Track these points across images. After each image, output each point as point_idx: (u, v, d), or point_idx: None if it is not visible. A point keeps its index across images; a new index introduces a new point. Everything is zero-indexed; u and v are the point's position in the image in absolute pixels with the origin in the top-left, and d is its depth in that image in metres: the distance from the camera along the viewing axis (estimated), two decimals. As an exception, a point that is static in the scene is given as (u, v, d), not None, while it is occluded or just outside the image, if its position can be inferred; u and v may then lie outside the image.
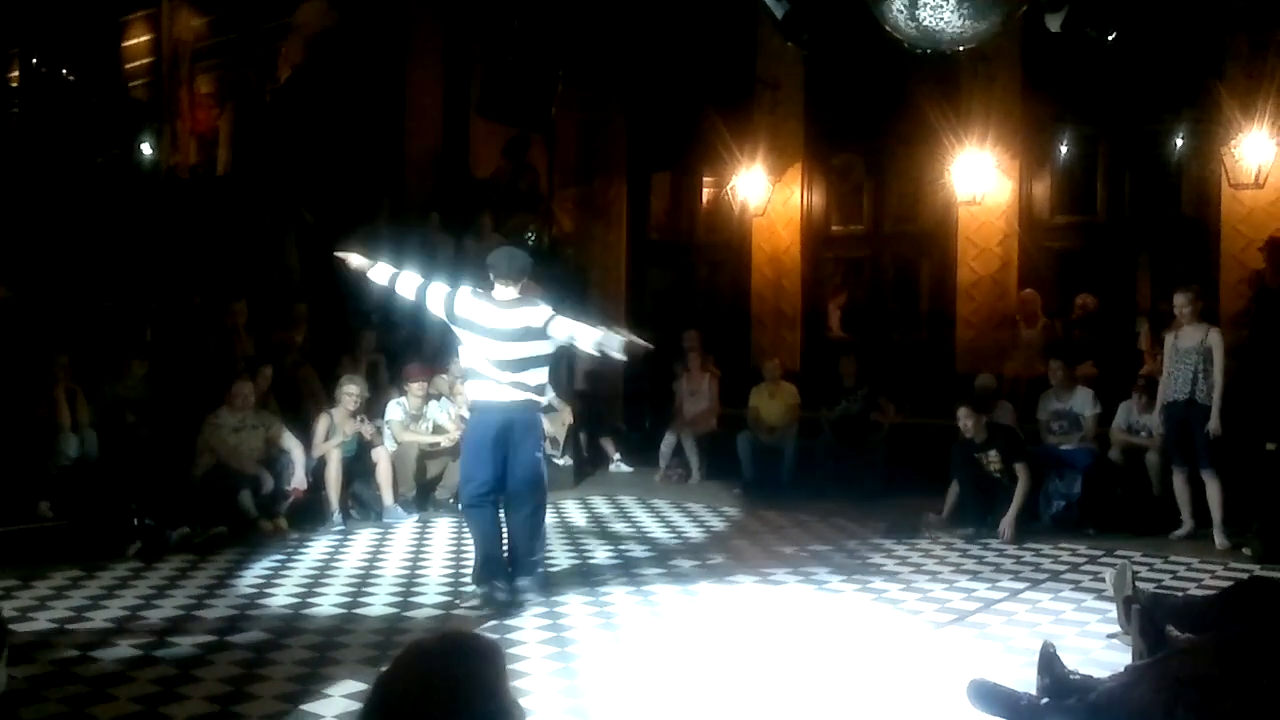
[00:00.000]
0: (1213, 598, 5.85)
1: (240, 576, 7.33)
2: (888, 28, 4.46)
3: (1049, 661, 4.61)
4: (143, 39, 17.95)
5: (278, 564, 7.69)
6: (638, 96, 14.42)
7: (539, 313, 6.60)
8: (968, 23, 4.25)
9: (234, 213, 13.18)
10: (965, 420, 8.74)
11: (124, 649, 5.70)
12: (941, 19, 4.22)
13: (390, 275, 6.89)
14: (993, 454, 8.72)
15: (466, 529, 7.12)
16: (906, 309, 13.35)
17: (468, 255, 13.52)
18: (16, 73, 17.38)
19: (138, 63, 17.96)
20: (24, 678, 5.09)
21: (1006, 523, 8.44)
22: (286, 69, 15.33)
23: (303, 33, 15.22)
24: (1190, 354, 8.32)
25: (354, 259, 6.93)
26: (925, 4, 4.19)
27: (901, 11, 4.28)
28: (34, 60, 16.93)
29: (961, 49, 4.80)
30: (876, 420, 10.97)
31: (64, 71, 16.95)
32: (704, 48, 13.35)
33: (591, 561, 7.92)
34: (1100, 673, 4.67)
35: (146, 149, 16.26)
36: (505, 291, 6.64)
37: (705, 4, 12.35)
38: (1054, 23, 5.51)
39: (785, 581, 7.27)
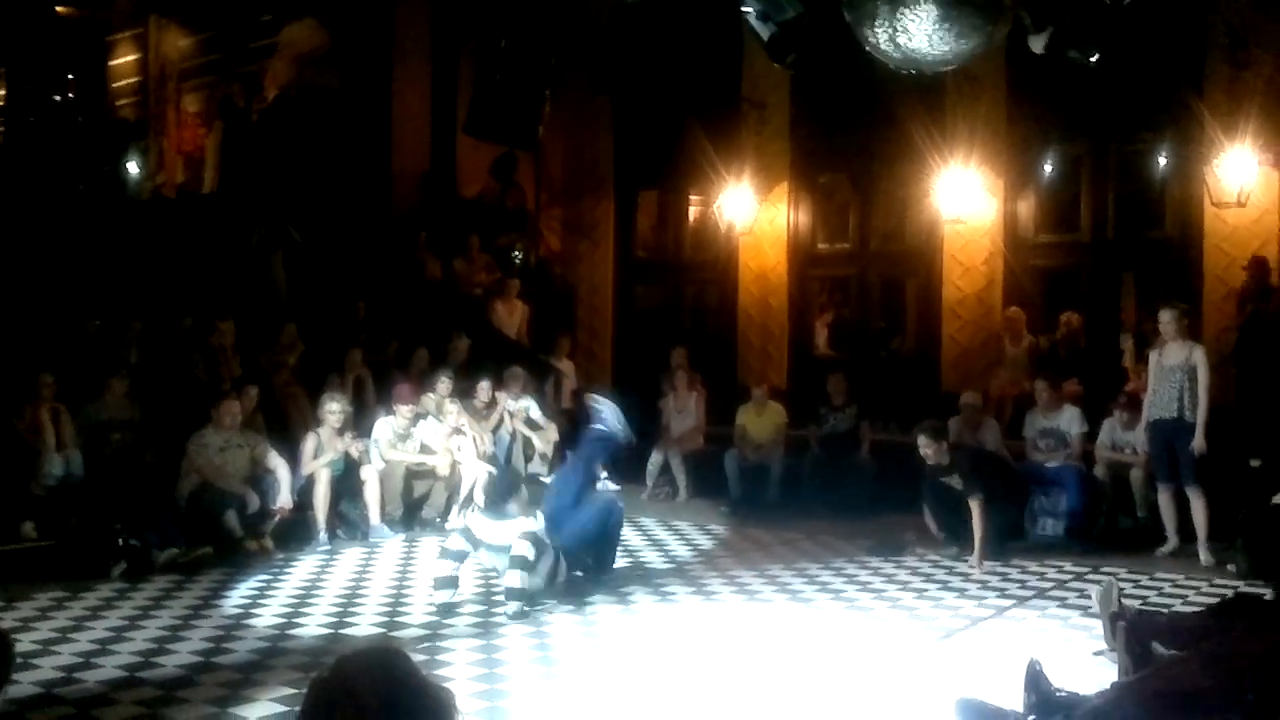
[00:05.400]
0: (1198, 614, 5.87)
1: (225, 597, 7.30)
2: (870, 50, 4.49)
3: (1035, 679, 4.61)
4: (129, 58, 17.95)
5: (263, 584, 7.67)
6: (624, 115, 14.47)
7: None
8: (950, 45, 4.29)
9: (221, 232, 13.18)
10: (925, 448, 8.61)
11: (109, 670, 5.67)
12: (923, 42, 4.25)
13: None
14: (955, 479, 8.62)
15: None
16: (893, 327, 13.40)
17: (455, 275, 13.57)
18: (3, 92, 17.37)
19: (124, 82, 17.96)
20: (7, 700, 5.05)
21: (974, 559, 8.24)
22: (274, 88, 15.35)
23: (290, 52, 15.25)
24: (1175, 371, 8.35)
25: None
26: (907, 27, 4.23)
27: (884, 34, 4.32)
28: (20, 79, 16.91)
29: (945, 70, 4.84)
30: (863, 438, 10.99)
31: (50, 91, 16.95)
32: (690, 67, 13.39)
33: (577, 578, 7.89)
34: (1087, 690, 4.68)
35: (133, 168, 16.25)
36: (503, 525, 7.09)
37: (691, 24, 12.42)
38: (1037, 45, 5.56)
39: (772, 600, 7.28)
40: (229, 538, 8.49)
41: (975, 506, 8.31)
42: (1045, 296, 12.06)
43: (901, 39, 4.41)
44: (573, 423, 12.27)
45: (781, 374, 13.19)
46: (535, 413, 11.28)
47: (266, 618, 6.78)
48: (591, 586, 7.44)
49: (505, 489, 7.31)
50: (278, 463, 9.01)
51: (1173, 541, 8.58)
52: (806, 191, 13.56)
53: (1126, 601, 6.10)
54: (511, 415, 11.07)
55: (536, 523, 7.02)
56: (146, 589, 7.41)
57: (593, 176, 14.81)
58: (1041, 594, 7.41)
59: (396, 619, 6.80)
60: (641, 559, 8.66)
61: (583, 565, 7.56)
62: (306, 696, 2.12)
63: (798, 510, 10.47)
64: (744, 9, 5.50)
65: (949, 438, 8.84)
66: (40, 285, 11.14)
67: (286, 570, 8.14)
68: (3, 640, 2.70)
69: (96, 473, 8.85)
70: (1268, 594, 6.72)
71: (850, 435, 11.05)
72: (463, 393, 10.79)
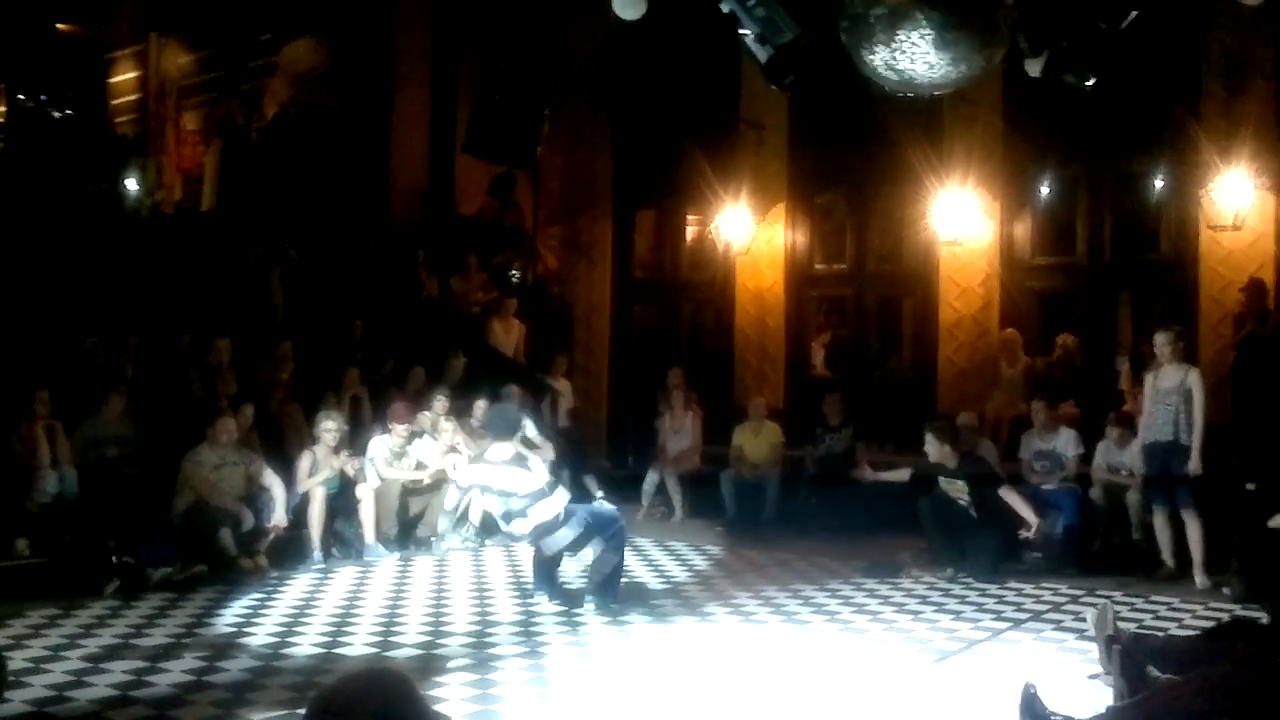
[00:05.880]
0: (1194, 638, 5.87)
1: (219, 615, 7.28)
2: (867, 74, 4.52)
3: (1030, 702, 4.60)
4: (129, 75, 18.01)
5: (257, 603, 7.64)
6: (623, 135, 14.52)
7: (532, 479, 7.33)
8: (946, 69, 4.31)
9: (219, 249, 13.18)
10: (928, 445, 8.67)
11: (101, 689, 5.64)
12: (920, 65, 4.28)
13: None
14: (960, 484, 8.65)
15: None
16: (889, 348, 13.42)
17: (452, 293, 13.58)
18: (2, 108, 17.39)
19: (124, 99, 18.02)
20: (-1, 718, 5.04)
21: (1034, 531, 8.47)
22: (273, 106, 15.40)
23: (289, 70, 15.31)
24: (1171, 394, 8.36)
25: None
26: (904, 51, 4.25)
27: (881, 58, 4.34)
28: (20, 95, 16.95)
29: (942, 93, 4.86)
30: (859, 459, 10.97)
31: (50, 107, 16.98)
32: (688, 88, 13.46)
33: (572, 590, 7.87)
34: (1082, 713, 4.66)
35: (132, 185, 16.27)
36: (501, 451, 7.45)
37: (689, 45, 12.48)
38: (1034, 68, 5.59)
39: (767, 621, 7.26)
40: (223, 556, 8.47)
41: (1006, 493, 8.46)
42: (1041, 318, 12.09)
43: (899, 62, 4.43)
44: (569, 442, 12.28)
45: (778, 394, 13.19)
46: (531, 432, 11.23)
47: (260, 636, 6.76)
48: (592, 610, 7.41)
49: (514, 421, 7.69)
50: (273, 480, 9.00)
51: (1169, 565, 8.57)
52: (804, 212, 13.60)
53: (1122, 625, 6.08)
54: (508, 434, 11.04)
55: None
56: (140, 607, 7.39)
57: (590, 196, 14.84)
58: (1037, 617, 7.39)
59: (391, 639, 6.77)
60: (637, 579, 8.63)
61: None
62: (305, 717, 2.11)
63: (794, 531, 10.47)
64: (742, 31, 5.53)
65: (955, 441, 8.85)
66: (37, 301, 11.12)
67: (281, 589, 8.11)
68: (-5, 659, 2.70)
69: (91, 490, 8.82)
70: (1264, 618, 6.72)
71: (847, 456, 11.05)
72: (459, 411, 10.78)
